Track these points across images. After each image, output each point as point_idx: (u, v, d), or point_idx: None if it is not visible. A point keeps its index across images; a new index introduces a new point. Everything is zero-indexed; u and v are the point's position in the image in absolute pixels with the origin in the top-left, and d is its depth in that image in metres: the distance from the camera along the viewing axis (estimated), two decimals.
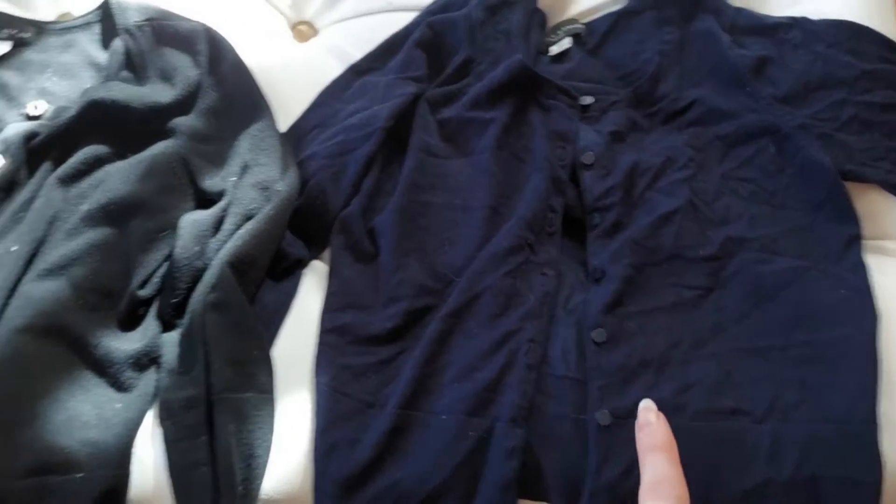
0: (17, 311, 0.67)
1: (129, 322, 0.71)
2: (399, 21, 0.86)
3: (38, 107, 0.77)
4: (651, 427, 0.51)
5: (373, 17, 0.88)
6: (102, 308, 0.70)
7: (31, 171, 0.75)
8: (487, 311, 0.70)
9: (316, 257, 0.77)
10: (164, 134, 0.78)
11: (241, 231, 0.70)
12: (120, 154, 0.77)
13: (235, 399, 0.64)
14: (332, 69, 0.85)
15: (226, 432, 0.63)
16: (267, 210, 0.72)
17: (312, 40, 0.91)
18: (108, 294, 0.71)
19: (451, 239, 0.74)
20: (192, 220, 0.71)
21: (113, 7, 0.82)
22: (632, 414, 0.65)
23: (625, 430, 0.63)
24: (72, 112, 0.75)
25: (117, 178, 0.74)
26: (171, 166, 0.74)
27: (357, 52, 0.86)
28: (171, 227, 0.72)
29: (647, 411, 0.53)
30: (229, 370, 0.65)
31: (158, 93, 0.79)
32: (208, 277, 0.68)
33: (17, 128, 0.75)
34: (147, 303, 0.71)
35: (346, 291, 0.73)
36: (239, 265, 0.69)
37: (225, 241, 0.71)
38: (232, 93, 0.81)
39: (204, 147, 0.78)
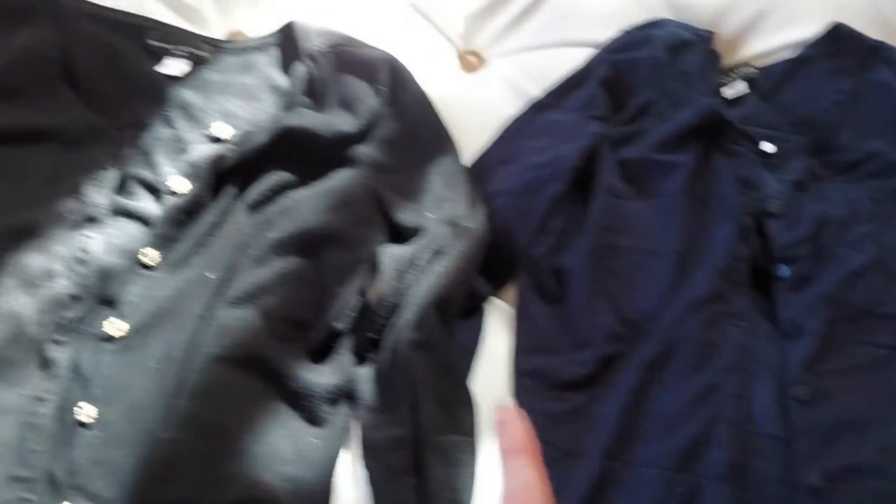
0: (214, 340, 0.66)
1: (320, 354, 0.70)
2: (572, 56, 0.85)
3: (222, 129, 0.77)
4: (508, 427, 0.44)
5: (547, 50, 0.87)
6: (292, 339, 0.69)
7: (215, 194, 0.75)
8: (685, 362, 0.69)
9: (496, 294, 0.76)
10: (342, 162, 0.78)
11: (439, 268, 0.70)
12: (302, 181, 0.77)
13: (442, 441, 0.63)
14: (507, 103, 0.84)
15: (433, 475, 0.62)
16: (460, 247, 0.71)
17: (481, 71, 0.90)
18: (298, 324, 0.70)
19: (639, 284, 0.73)
20: (392, 255, 0.71)
21: (296, 31, 0.82)
22: (843, 476, 0.64)
23: (837, 493, 0.62)
24: (262, 138, 0.75)
25: (308, 207, 0.73)
26: (364, 198, 0.74)
27: (531, 86, 0.85)
28: (366, 260, 0.71)
29: (504, 409, 0.45)
30: (437, 411, 0.64)
31: (341, 121, 0.78)
32: (410, 315, 0.67)
33: (203, 150, 0.75)
34: (336, 335, 0.71)
35: (536, 334, 0.72)
36: (440, 303, 0.68)
37: (419, 277, 0.70)
38: (414, 124, 0.80)
39: (387, 178, 0.77)
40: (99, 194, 0.72)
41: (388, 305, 0.69)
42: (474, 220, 0.74)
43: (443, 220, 0.74)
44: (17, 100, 0.75)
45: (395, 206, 0.75)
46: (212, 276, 0.69)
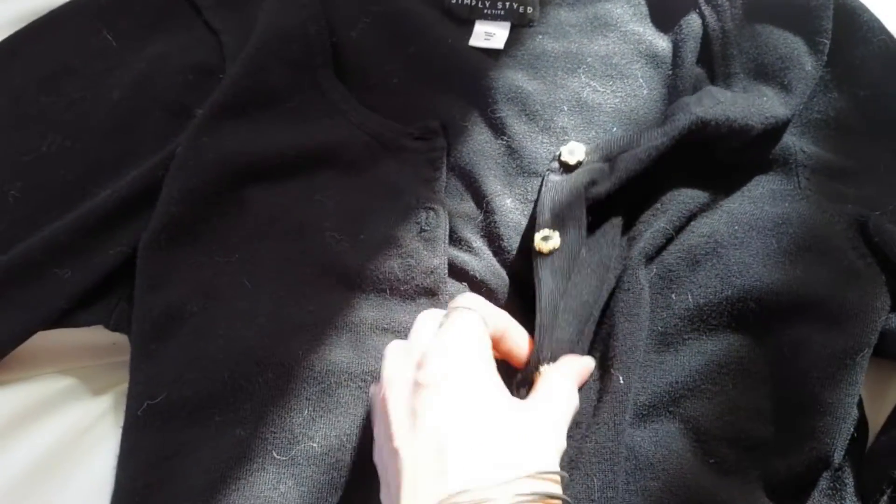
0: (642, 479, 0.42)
1: (792, 496, 0.44)
2: None
3: (573, 151, 0.49)
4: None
5: None
6: (740, 471, 0.43)
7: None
8: None
9: None
10: (765, 168, 0.49)
11: None
12: (713, 203, 0.49)
13: None
14: None
15: None
16: None
17: None
18: (749, 448, 0.44)
19: None
20: None
21: None
22: None
23: None
24: (653, 143, 0.47)
25: (751, 253, 0.45)
26: (838, 230, 0.45)
27: None
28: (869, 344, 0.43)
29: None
30: None
31: (770, 102, 0.49)
32: None
33: (563, 184, 0.48)
34: (821, 466, 0.44)
35: None
36: None
37: None
38: (879, 97, 0.49)
39: (843, 189, 0.48)
40: (432, 253, 0.48)
41: None
42: None
43: None
44: (273, 108, 0.52)
45: None
46: (620, 379, 0.43)
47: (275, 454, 0.43)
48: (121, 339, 0.50)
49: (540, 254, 0.45)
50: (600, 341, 0.44)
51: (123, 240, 0.49)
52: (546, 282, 0.44)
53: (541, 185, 0.48)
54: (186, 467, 0.44)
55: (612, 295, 0.45)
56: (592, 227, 0.47)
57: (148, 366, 0.46)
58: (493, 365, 0.38)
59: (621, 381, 0.42)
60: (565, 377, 0.41)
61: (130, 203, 0.50)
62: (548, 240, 0.45)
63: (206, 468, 0.43)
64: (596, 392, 0.43)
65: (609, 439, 0.41)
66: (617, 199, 0.47)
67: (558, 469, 0.36)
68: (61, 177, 0.52)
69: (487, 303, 0.41)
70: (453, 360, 0.36)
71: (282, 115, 0.52)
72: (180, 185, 0.49)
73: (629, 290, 0.45)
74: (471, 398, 0.35)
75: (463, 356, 0.37)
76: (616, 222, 0.47)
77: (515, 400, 0.38)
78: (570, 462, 0.41)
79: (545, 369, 0.41)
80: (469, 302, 0.40)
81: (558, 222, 0.46)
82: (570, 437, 0.41)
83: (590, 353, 0.44)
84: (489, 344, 0.39)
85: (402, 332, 0.45)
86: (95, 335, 0.51)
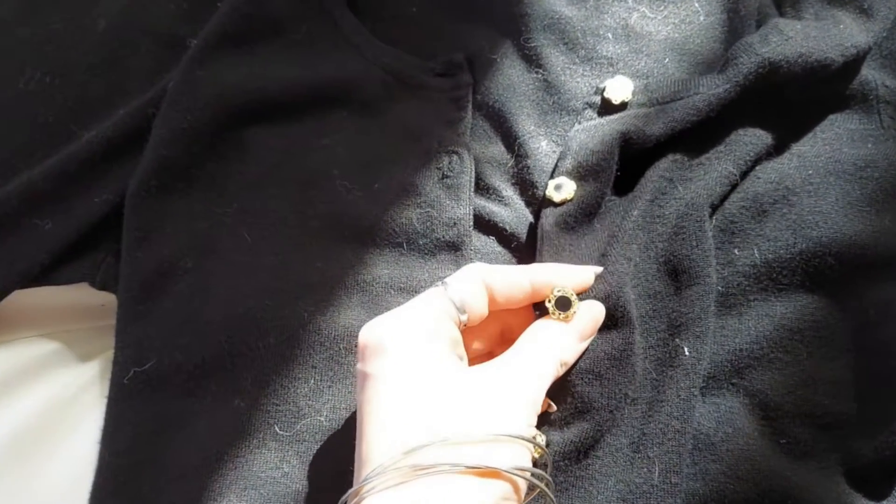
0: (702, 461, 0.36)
1: (878, 483, 0.37)
2: None
3: (620, 87, 0.43)
4: None
5: None
6: (816, 454, 0.37)
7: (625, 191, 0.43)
8: None
9: None
10: (840, 104, 0.43)
11: None
12: (781, 146, 0.43)
13: None
14: None
15: None
16: None
17: None
18: (825, 427, 0.37)
19: None
20: None
21: None
22: None
23: None
24: (713, 89, 0.41)
25: (828, 201, 0.39)
26: None
27: None
28: None
29: None
30: None
31: (848, 31, 0.42)
32: None
33: (597, 129, 0.42)
34: None
35: None
36: None
37: None
38: None
39: None
40: (455, 202, 0.42)
41: None
42: None
43: None
44: (277, 39, 0.47)
45: None
46: (686, 351, 0.37)
47: (277, 429, 0.38)
48: (110, 299, 0.45)
49: (550, 203, 0.40)
50: (657, 304, 0.38)
51: (110, 187, 0.44)
52: (548, 236, 0.39)
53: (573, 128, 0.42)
54: (178, 443, 0.39)
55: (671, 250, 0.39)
56: (623, 185, 0.41)
57: (136, 328, 0.41)
58: (457, 340, 0.34)
59: (687, 353, 0.36)
60: (544, 328, 0.35)
61: (117, 145, 0.45)
62: (560, 189, 0.40)
63: (200, 444, 0.38)
64: (654, 363, 0.37)
65: (675, 418, 0.35)
66: (660, 152, 0.41)
67: (520, 432, 0.31)
68: (41, 116, 0.47)
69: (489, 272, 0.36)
70: (400, 330, 0.33)
71: (286, 47, 0.47)
72: (172, 125, 0.44)
73: (696, 244, 0.38)
74: (412, 367, 0.32)
75: (412, 329, 0.33)
76: (653, 179, 0.41)
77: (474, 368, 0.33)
78: (631, 445, 0.35)
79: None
80: (464, 275, 0.35)
81: (580, 172, 0.41)
82: (627, 417, 0.35)
83: (642, 319, 0.38)
84: (451, 320, 0.34)
85: (421, 293, 0.39)
86: (81, 294, 0.46)
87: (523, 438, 0.31)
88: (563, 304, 0.35)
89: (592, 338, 0.37)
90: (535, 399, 0.32)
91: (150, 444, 0.39)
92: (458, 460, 0.29)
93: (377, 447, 0.30)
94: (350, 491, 0.30)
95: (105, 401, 0.42)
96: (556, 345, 0.35)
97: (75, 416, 0.45)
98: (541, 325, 0.35)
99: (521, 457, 0.31)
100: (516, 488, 0.30)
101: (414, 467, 0.29)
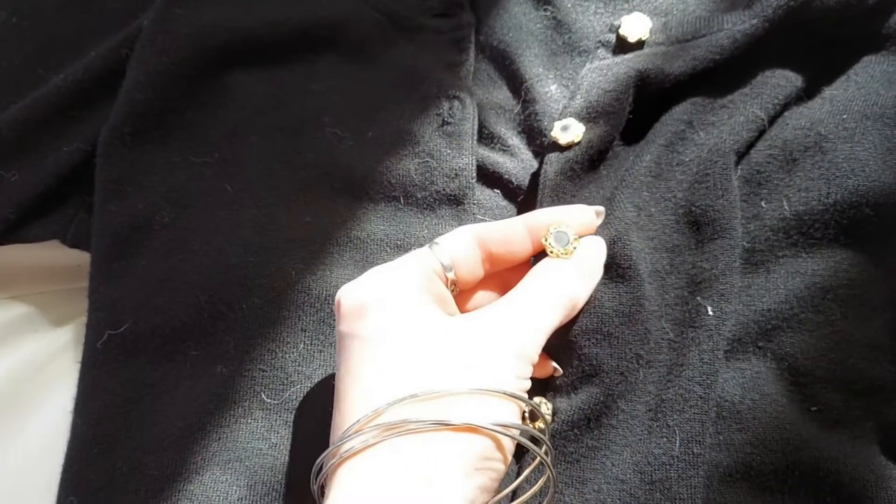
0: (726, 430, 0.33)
1: None
2: None
3: (636, 25, 0.40)
4: None
5: None
6: (851, 422, 0.34)
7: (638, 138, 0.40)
8: None
9: None
10: (865, 45, 0.39)
11: None
12: (810, 90, 0.39)
13: None
14: None
15: None
16: None
17: None
18: (862, 392, 0.34)
19: None
20: None
21: None
22: None
23: None
24: (739, 26, 0.38)
25: (865, 147, 0.36)
26: None
27: None
28: None
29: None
30: None
31: None
32: None
33: (611, 68, 0.39)
34: None
35: None
36: None
37: None
38: None
39: None
40: (457, 151, 0.39)
41: None
42: None
43: None
44: None
45: None
46: (710, 310, 0.34)
47: (264, 397, 0.35)
48: (85, 260, 0.42)
49: (554, 146, 0.37)
50: (676, 258, 0.35)
51: (80, 135, 0.41)
52: (550, 184, 0.37)
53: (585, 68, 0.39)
54: (156, 412, 0.36)
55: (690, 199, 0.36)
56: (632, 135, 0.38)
57: (109, 288, 0.38)
58: (444, 298, 0.32)
59: (710, 313, 0.33)
60: (539, 271, 0.32)
61: (88, 90, 0.42)
62: (567, 130, 0.37)
63: (180, 413, 0.36)
64: (672, 323, 0.33)
65: (697, 384, 0.32)
66: (678, 98, 0.38)
67: (503, 385, 0.28)
68: (7, 59, 0.44)
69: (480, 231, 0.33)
70: (381, 288, 0.30)
71: None
72: (148, 67, 0.41)
73: (721, 193, 0.35)
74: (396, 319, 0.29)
75: (393, 288, 0.30)
76: (668, 126, 0.38)
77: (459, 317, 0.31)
78: (648, 413, 0.32)
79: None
80: (453, 233, 0.32)
81: (590, 112, 0.38)
82: (641, 381, 0.32)
83: (658, 274, 0.35)
84: (437, 278, 0.32)
85: None
86: (53, 254, 0.43)
87: (505, 393, 0.28)
88: (562, 239, 0.32)
89: (598, 278, 0.34)
90: (524, 350, 0.29)
91: (125, 413, 0.36)
92: (430, 416, 0.27)
93: (351, 409, 0.28)
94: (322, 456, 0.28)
95: (79, 367, 0.39)
96: (554, 286, 0.31)
97: (47, 383, 0.42)
98: (537, 268, 0.32)
99: (508, 413, 0.28)
100: (500, 447, 0.28)
101: (381, 426, 0.27)
